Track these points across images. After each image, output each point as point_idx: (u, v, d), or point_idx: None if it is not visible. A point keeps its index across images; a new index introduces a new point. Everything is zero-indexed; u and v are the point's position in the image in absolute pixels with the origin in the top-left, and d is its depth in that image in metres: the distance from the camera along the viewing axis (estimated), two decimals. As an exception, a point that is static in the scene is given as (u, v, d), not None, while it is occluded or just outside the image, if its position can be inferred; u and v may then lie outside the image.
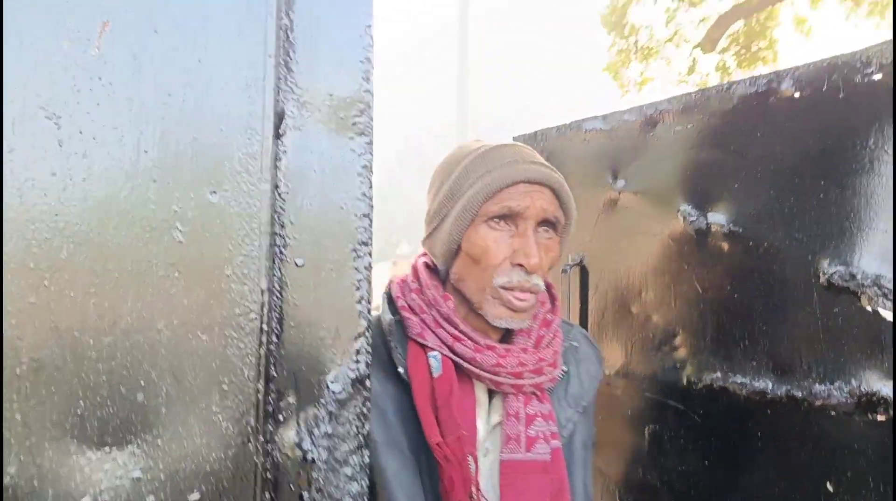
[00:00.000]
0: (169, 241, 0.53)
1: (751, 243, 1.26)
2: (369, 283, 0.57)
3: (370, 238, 0.58)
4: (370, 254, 0.58)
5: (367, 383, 0.56)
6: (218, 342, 0.53)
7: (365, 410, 0.56)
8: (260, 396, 0.52)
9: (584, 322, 1.54)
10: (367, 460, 0.55)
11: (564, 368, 1.07)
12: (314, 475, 0.53)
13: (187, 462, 0.52)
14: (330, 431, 0.54)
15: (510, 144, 1.07)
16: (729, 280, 1.29)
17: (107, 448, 0.51)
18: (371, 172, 0.58)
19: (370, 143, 0.58)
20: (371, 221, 0.58)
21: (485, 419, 1.01)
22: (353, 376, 0.55)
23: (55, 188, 0.52)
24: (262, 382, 0.52)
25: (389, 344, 1.01)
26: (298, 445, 0.53)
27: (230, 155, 0.55)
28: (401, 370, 0.99)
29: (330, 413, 0.55)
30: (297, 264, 0.55)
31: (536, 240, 0.99)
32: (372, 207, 0.58)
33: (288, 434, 0.54)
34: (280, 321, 0.55)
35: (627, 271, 1.47)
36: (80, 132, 0.53)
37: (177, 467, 0.52)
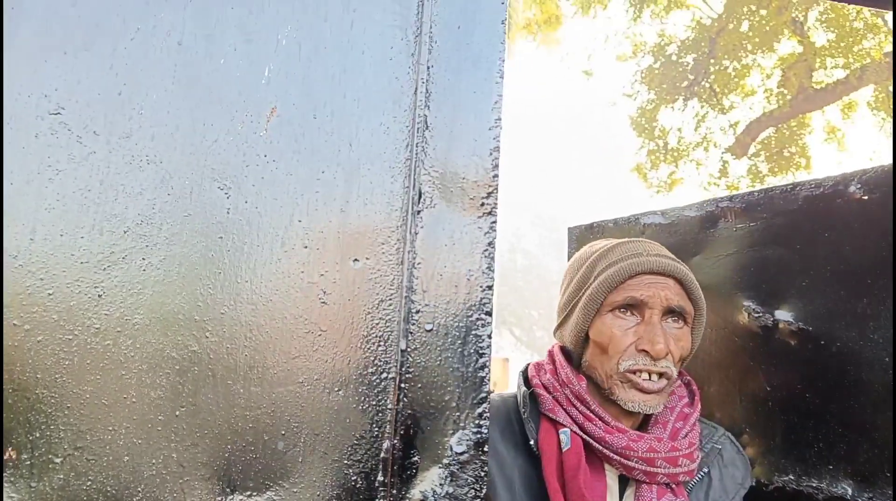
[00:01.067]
0: (314, 302, 0.59)
1: (822, 343, 1.27)
2: (490, 351, 0.61)
3: (492, 309, 0.62)
4: (491, 324, 0.62)
5: (486, 448, 0.58)
6: (352, 399, 0.57)
7: (482, 473, 0.58)
8: (384, 452, 0.55)
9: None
10: (484, 523, 0.57)
11: (705, 470, 1.06)
12: (437, 533, 0.55)
13: (319, 513, 0.54)
14: (451, 491, 0.57)
15: (636, 240, 1.12)
16: (799, 379, 1.28)
17: (249, 492, 0.54)
18: (494, 248, 0.64)
19: (495, 222, 0.63)
20: (493, 293, 0.63)
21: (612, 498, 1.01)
22: (475, 438, 0.58)
23: (221, 249, 0.58)
24: (389, 439, 0.56)
25: (522, 417, 1.06)
26: (423, 502, 0.56)
27: (373, 227, 0.61)
28: (532, 442, 1.03)
29: (452, 474, 0.57)
30: (426, 330, 0.60)
31: (664, 329, 1.02)
32: (494, 280, 0.63)
33: (412, 492, 0.56)
34: (411, 382, 0.59)
35: (692, 366, 1.47)
36: (246, 202, 0.60)
37: (309, 516, 0.54)
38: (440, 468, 0.57)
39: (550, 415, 1.04)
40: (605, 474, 1.02)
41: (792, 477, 1.25)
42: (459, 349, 0.60)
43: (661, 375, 1.01)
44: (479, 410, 0.58)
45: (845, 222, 1.27)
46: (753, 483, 1.31)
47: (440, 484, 0.57)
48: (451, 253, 0.62)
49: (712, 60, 9.70)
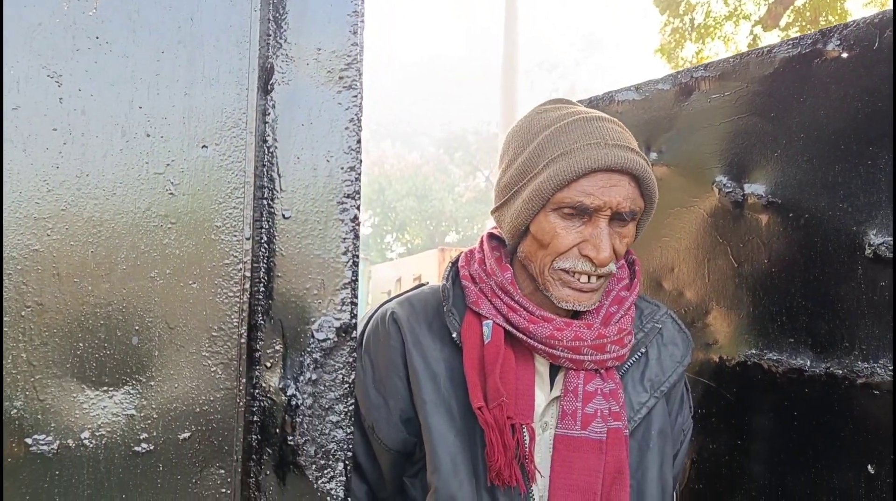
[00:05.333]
0: (162, 193, 0.56)
1: (790, 215, 1.21)
2: (356, 235, 0.57)
3: (357, 191, 0.58)
4: (357, 207, 0.58)
5: (353, 333, 0.57)
6: (208, 291, 0.55)
7: (351, 359, 0.57)
8: (244, 342, 0.54)
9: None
10: (352, 408, 0.56)
11: (642, 350, 1.04)
12: (298, 420, 0.54)
13: (178, 403, 0.54)
14: (315, 378, 0.55)
15: (595, 117, 0.99)
16: (767, 254, 1.24)
17: (104, 388, 0.53)
18: (359, 126, 0.59)
19: (357, 95, 0.58)
20: (359, 174, 0.59)
21: (546, 392, 1.01)
22: (337, 325, 0.56)
23: (56, 143, 0.54)
24: (245, 328, 0.54)
25: (444, 309, 1.04)
26: (283, 390, 0.55)
27: (221, 110, 0.56)
28: (454, 334, 1.01)
29: (315, 361, 0.56)
30: (284, 216, 0.57)
31: (610, 230, 0.95)
32: (360, 160, 0.59)
33: (273, 380, 0.55)
34: (268, 271, 0.56)
35: (660, 246, 1.43)
36: (80, 90, 0.55)
37: (168, 407, 0.54)
38: (303, 355, 0.56)
39: (474, 308, 1.01)
40: (535, 362, 1.01)
41: (754, 351, 1.24)
42: (320, 236, 0.57)
43: (599, 276, 0.97)
44: (342, 296, 0.56)
45: (822, 85, 1.18)
46: (717, 360, 1.30)
47: (303, 372, 0.55)
48: (308, 133, 0.57)
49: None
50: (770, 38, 9.14)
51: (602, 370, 0.98)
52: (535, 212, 0.96)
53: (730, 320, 1.29)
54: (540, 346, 0.96)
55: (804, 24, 9.07)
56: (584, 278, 0.96)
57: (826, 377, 1.12)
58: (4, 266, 0.52)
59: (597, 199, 0.93)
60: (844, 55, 1.15)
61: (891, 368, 1.04)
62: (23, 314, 0.53)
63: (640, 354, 1.04)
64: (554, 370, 1.01)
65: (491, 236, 1.09)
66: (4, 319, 0.52)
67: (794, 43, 1.21)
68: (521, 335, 0.97)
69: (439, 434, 0.97)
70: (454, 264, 1.10)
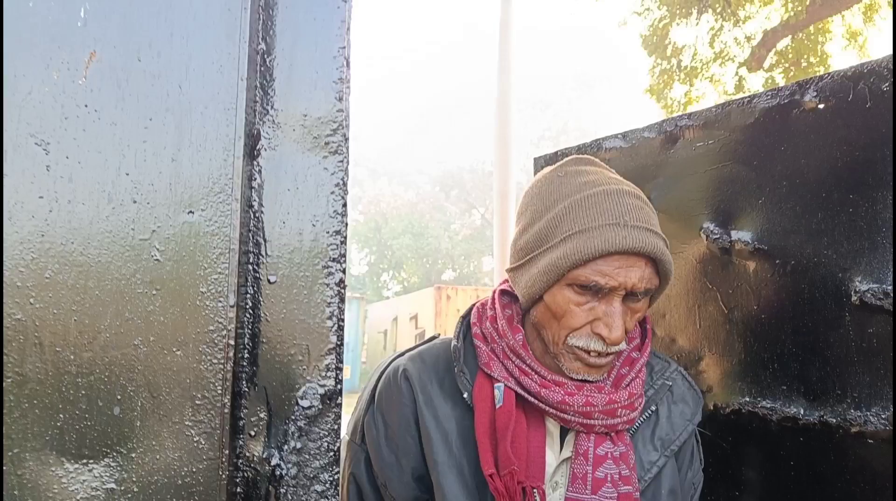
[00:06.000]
0: (147, 259, 0.55)
1: (777, 261, 1.22)
2: (342, 299, 0.57)
3: (343, 255, 0.58)
4: (343, 271, 0.58)
5: (338, 399, 0.56)
6: (192, 358, 0.55)
7: (336, 427, 0.56)
8: (227, 410, 0.53)
9: (607, 345, 1.50)
10: (337, 477, 0.55)
11: (653, 408, 1.03)
12: (283, 490, 0.53)
13: (160, 475, 0.53)
14: (299, 446, 0.55)
15: (616, 191, 0.97)
16: (756, 300, 1.24)
17: (84, 460, 0.52)
18: (345, 190, 0.59)
19: (343, 160, 0.59)
20: (344, 238, 0.59)
21: (556, 452, 1.00)
22: (322, 392, 0.55)
23: (42, 211, 0.54)
24: (229, 396, 0.53)
25: (455, 369, 1.02)
26: (267, 460, 0.54)
27: (207, 175, 0.57)
28: (465, 395, 1.00)
29: (300, 429, 0.55)
30: (269, 281, 0.56)
31: (623, 306, 0.94)
32: (345, 224, 0.59)
33: (257, 449, 0.54)
34: (253, 337, 0.56)
35: (651, 292, 1.43)
36: (67, 157, 0.56)
37: (150, 479, 0.53)
38: (287, 423, 0.55)
39: (486, 369, 1.00)
40: (545, 423, 1.00)
41: (748, 399, 1.23)
42: (305, 301, 0.56)
43: (610, 353, 0.96)
44: (326, 361, 0.56)
45: (801, 134, 1.20)
46: (711, 408, 1.29)
47: (287, 440, 0.55)
48: (294, 198, 0.58)
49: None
50: (755, 79, 9.36)
51: (613, 433, 0.97)
52: (551, 285, 0.95)
53: (722, 367, 1.28)
54: (551, 410, 0.96)
55: (787, 65, 9.31)
56: (595, 355, 0.95)
57: (820, 425, 1.12)
58: (-14, 336, 0.51)
59: (612, 280, 0.92)
60: (821, 106, 1.17)
61: (884, 416, 1.03)
62: (3, 385, 0.52)
63: (650, 411, 1.03)
64: (564, 430, 1.01)
65: (503, 292, 1.08)
66: (-17, 390, 0.51)
67: (773, 94, 1.24)
68: (532, 399, 0.97)
69: (452, 495, 0.96)
70: (465, 318, 1.09)
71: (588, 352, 0.95)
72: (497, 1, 10.46)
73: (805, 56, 9.36)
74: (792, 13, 9.10)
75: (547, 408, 0.96)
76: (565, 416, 0.95)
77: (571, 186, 0.99)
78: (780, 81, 9.27)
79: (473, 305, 1.12)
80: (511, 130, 10.13)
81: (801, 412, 1.14)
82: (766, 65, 9.60)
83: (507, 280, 1.10)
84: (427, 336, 1.16)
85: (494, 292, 1.10)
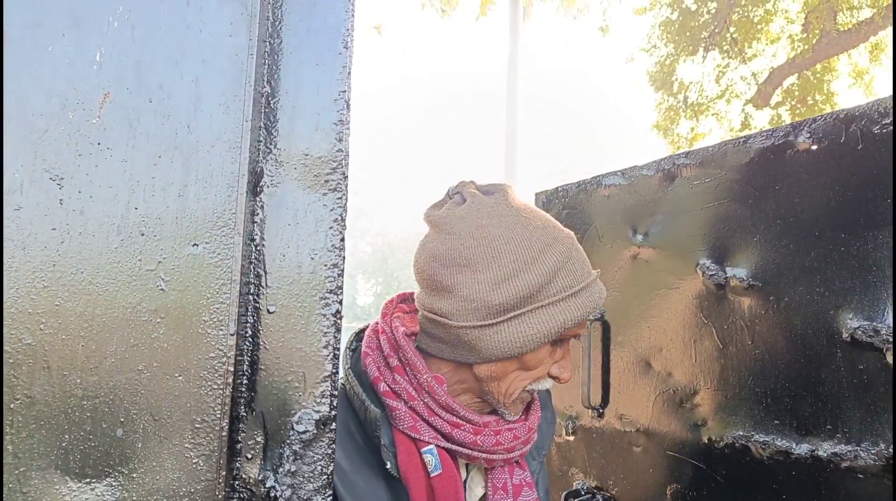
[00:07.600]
0: (153, 289, 0.58)
1: (771, 298, 1.23)
2: (338, 329, 0.60)
3: (339, 287, 0.61)
4: (340, 302, 0.61)
5: (332, 424, 0.58)
6: (193, 383, 0.57)
7: (330, 451, 0.58)
8: (225, 434, 0.55)
9: (605, 378, 1.51)
10: (330, 499, 0.57)
11: None
12: (276, 512, 0.55)
13: (160, 495, 0.55)
14: (294, 469, 0.57)
15: (572, 237, 0.96)
16: (750, 336, 1.26)
17: (87, 480, 0.54)
18: (343, 225, 0.62)
19: (342, 198, 0.62)
20: (342, 271, 0.62)
21: (473, 493, 0.97)
22: (316, 417, 0.57)
23: (54, 242, 0.58)
24: (228, 420, 0.56)
25: (374, 438, 0.90)
26: (262, 482, 0.56)
27: (212, 210, 0.60)
28: (388, 465, 0.89)
29: (295, 453, 0.57)
30: (269, 311, 0.59)
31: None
32: (343, 258, 0.62)
33: (253, 471, 0.56)
34: (252, 364, 0.58)
35: (648, 326, 1.45)
36: (80, 192, 0.59)
37: (150, 499, 0.55)
38: (283, 447, 0.57)
39: (411, 434, 0.90)
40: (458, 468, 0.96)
41: (742, 433, 1.23)
42: (302, 330, 0.59)
43: None
44: (322, 388, 0.58)
45: (795, 174, 1.23)
46: (706, 441, 1.30)
47: (282, 463, 0.57)
48: (294, 233, 0.61)
49: (737, 9, 9.33)
50: (761, 116, 9.45)
51: (520, 460, 0.97)
52: (543, 344, 0.90)
53: (717, 400, 1.29)
54: (482, 455, 0.91)
55: (794, 103, 9.39)
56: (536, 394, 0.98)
57: (812, 459, 1.12)
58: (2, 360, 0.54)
59: (582, 331, 0.97)
60: (814, 147, 1.21)
61: (874, 451, 1.04)
62: (12, 406, 0.55)
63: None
64: (467, 466, 0.99)
65: (406, 336, 0.95)
66: (-6, 411, 0.54)
67: (768, 135, 1.28)
68: (465, 451, 0.90)
69: None
70: (352, 368, 0.96)
71: (533, 392, 0.96)
72: (505, 44, 10.69)
73: (811, 94, 9.46)
74: (798, 51, 9.23)
75: (478, 455, 0.90)
76: (492, 457, 0.91)
77: (546, 231, 0.93)
78: (787, 118, 9.36)
79: (353, 348, 0.99)
80: (516, 167, 10.24)
81: (794, 446, 1.15)
82: (772, 102, 9.70)
83: (397, 315, 0.99)
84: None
85: (390, 337, 0.95)
